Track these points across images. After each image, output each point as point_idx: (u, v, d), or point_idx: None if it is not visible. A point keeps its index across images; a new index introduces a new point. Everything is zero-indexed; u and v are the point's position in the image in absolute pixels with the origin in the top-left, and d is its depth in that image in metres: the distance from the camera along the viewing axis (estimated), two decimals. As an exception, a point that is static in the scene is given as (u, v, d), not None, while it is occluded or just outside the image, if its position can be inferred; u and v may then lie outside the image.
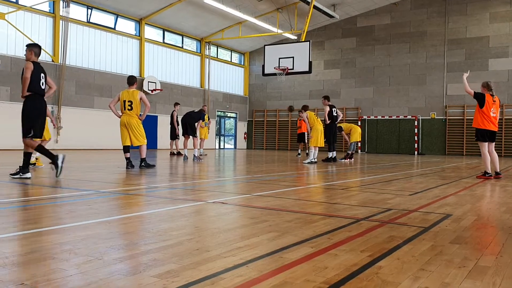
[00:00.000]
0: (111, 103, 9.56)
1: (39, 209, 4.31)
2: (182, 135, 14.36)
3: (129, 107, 9.39)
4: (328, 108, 14.15)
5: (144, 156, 9.71)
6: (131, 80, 9.61)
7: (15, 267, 2.32)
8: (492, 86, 8.60)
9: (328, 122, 14.23)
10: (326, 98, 14.31)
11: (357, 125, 18.42)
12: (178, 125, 16.93)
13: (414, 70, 26.72)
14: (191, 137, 14.19)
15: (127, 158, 9.55)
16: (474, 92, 8.49)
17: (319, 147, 13.62)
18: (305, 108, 14.12)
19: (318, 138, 13.44)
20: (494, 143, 8.67)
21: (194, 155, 13.89)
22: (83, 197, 5.14)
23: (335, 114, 14.35)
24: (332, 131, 14.39)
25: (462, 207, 4.79)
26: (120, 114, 9.54)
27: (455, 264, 2.57)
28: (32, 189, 5.89)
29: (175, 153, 17.17)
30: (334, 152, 14.61)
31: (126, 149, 9.57)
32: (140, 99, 9.50)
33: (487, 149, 8.55)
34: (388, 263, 2.55)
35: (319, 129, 13.52)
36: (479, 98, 8.45)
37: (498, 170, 8.65)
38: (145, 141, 9.69)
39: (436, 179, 8.56)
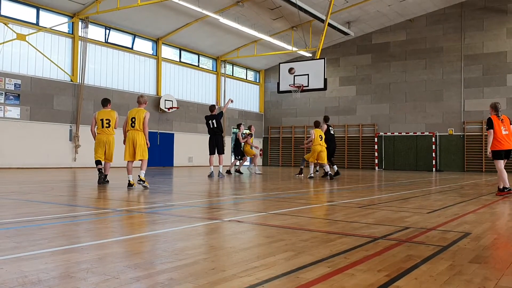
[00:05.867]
0: (92, 127, 10.30)
1: (57, 227, 4.36)
2: (211, 154, 14.26)
3: (107, 125, 10.12)
4: (325, 127, 15.42)
5: (107, 173, 10.20)
6: (104, 102, 10.44)
7: (34, 286, 2.35)
8: (499, 107, 8.84)
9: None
10: (325, 119, 15.92)
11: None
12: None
13: (431, 86, 26.54)
14: (216, 154, 14.23)
15: (99, 172, 10.02)
16: (487, 124, 8.82)
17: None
18: (316, 124, 14.93)
19: (312, 155, 14.44)
20: (506, 160, 8.87)
21: (219, 172, 13.97)
22: (100, 216, 5.19)
23: (332, 133, 15.74)
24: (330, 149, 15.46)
25: (481, 225, 4.71)
26: (96, 134, 10.21)
27: (474, 284, 2.52)
28: (50, 207, 5.96)
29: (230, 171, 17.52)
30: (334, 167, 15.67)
31: (98, 162, 10.14)
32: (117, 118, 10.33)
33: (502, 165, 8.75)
34: (406, 283, 2.52)
35: (316, 150, 14.35)
36: (489, 124, 8.77)
37: (507, 186, 8.74)
38: (112, 160, 10.26)
39: (454, 196, 8.44)
